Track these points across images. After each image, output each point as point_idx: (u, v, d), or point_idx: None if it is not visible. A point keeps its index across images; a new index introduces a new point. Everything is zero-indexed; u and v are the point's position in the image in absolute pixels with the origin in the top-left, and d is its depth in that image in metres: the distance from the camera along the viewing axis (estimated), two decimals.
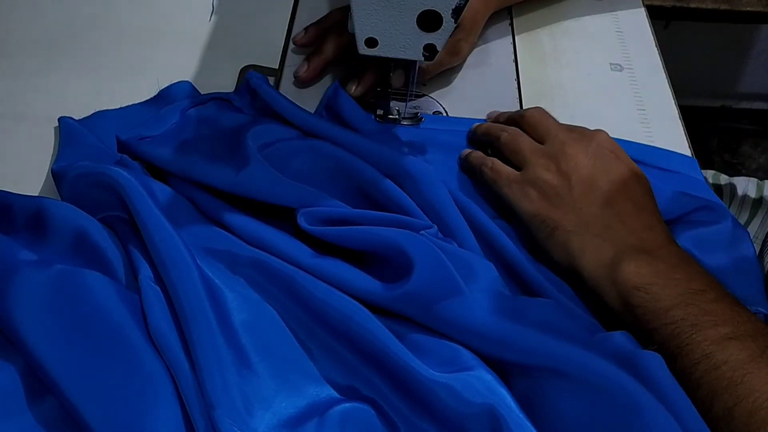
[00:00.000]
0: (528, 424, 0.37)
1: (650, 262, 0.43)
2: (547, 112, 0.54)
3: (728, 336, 0.39)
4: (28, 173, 0.56)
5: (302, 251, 0.46)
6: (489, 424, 0.37)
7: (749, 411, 0.37)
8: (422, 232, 0.45)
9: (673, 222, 0.52)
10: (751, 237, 0.64)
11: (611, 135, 0.58)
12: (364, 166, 0.50)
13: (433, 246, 0.42)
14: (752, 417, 0.37)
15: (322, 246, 0.47)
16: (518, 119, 0.54)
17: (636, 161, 0.52)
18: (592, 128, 0.56)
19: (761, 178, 0.69)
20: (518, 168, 0.51)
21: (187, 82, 0.61)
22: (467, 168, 0.55)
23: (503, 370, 0.41)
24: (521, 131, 0.53)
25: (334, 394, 0.41)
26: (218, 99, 0.60)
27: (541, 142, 0.51)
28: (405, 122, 0.59)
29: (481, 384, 0.39)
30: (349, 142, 0.52)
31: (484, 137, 0.56)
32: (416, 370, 0.39)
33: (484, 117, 0.61)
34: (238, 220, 0.48)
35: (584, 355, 0.38)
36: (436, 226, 0.47)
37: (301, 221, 0.46)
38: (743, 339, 0.39)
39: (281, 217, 0.49)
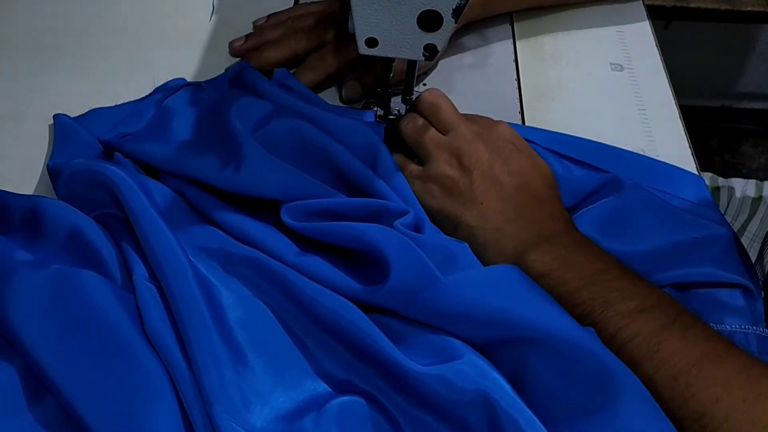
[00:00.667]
0: (521, 404, 0.38)
1: (551, 250, 0.44)
2: (442, 95, 0.53)
3: (638, 309, 0.41)
4: (27, 173, 0.56)
5: (287, 248, 0.46)
6: (484, 409, 0.37)
7: (672, 375, 0.38)
8: (397, 222, 0.45)
9: (577, 206, 0.53)
10: (751, 236, 0.64)
11: (612, 135, 0.58)
12: (343, 152, 0.50)
13: (408, 241, 0.43)
14: (676, 381, 0.38)
15: (308, 238, 0.47)
16: (417, 105, 0.53)
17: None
18: (592, 128, 0.56)
19: (761, 179, 0.69)
20: (422, 160, 0.51)
21: (182, 79, 0.61)
22: None
23: (490, 350, 0.42)
24: (423, 120, 0.52)
25: (332, 388, 0.41)
26: (190, 86, 0.60)
27: (442, 132, 0.51)
28: None
29: (473, 370, 0.39)
30: (329, 126, 0.52)
31: (391, 130, 0.55)
32: (407, 367, 0.39)
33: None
34: (227, 216, 0.48)
35: (555, 324, 0.39)
36: (412, 210, 0.47)
37: (285, 217, 0.47)
38: (652, 310, 0.41)
39: (270, 208, 0.49)
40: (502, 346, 0.41)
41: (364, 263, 0.45)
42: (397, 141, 0.53)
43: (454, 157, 0.49)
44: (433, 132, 0.51)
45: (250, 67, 0.59)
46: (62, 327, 0.40)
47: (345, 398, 0.40)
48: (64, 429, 0.39)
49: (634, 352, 0.39)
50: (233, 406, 0.38)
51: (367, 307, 0.43)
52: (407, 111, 0.55)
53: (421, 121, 0.52)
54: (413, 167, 0.51)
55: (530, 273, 0.43)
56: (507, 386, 0.39)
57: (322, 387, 0.41)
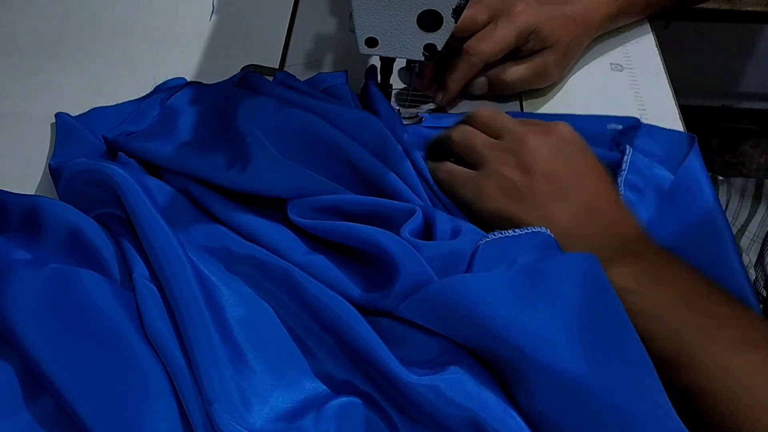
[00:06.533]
0: (515, 423, 0.37)
1: (637, 263, 0.40)
2: (496, 111, 0.50)
3: (741, 340, 0.37)
4: (28, 172, 0.56)
5: (295, 247, 0.46)
6: (474, 429, 0.37)
7: None
8: (404, 229, 0.44)
9: None
10: (751, 237, 0.64)
11: None
12: (353, 145, 0.50)
13: (414, 251, 0.42)
14: None
15: (315, 236, 0.47)
16: (468, 120, 0.51)
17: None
18: None
19: (762, 178, 0.69)
20: (474, 167, 0.48)
21: (182, 78, 0.61)
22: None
23: (488, 357, 0.40)
24: (474, 129, 0.49)
25: (331, 388, 0.41)
26: (193, 84, 0.60)
27: (496, 138, 0.48)
28: (405, 122, 0.58)
29: (469, 381, 0.38)
30: (339, 120, 0.52)
31: (436, 144, 0.53)
32: (400, 377, 0.38)
33: None
34: (233, 214, 0.48)
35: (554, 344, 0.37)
36: (419, 210, 0.46)
37: (292, 214, 0.47)
38: (757, 343, 0.37)
39: (276, 207, 0.49)
40: (499, 355, 0.39)
41: (371, 263, 0.45)
42: (444, 156, 0.51)
43: (511, 155, 0.45)
44: (484, 135, 0.48)
45: (253, 72, 0.59)
46: (60, 326, 0.41)
47: (344, 399, 0.40)
48: (62, 428, 0.39)
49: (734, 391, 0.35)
50: (233, 406, 0.38)
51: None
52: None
53: (469, 127, 0.49)
54: (465, 170, 0.47)
55: (614, 287, 0.38)
56: (502, 403, 0.38)
57: (322, 387, 0.41)
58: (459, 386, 0.38)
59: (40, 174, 0.56)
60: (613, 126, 0.55)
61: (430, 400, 0.38)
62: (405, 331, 0.42)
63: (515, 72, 0.58)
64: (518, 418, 0.37)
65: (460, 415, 0.37)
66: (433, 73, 0.58)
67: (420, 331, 0.42)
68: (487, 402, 0.37)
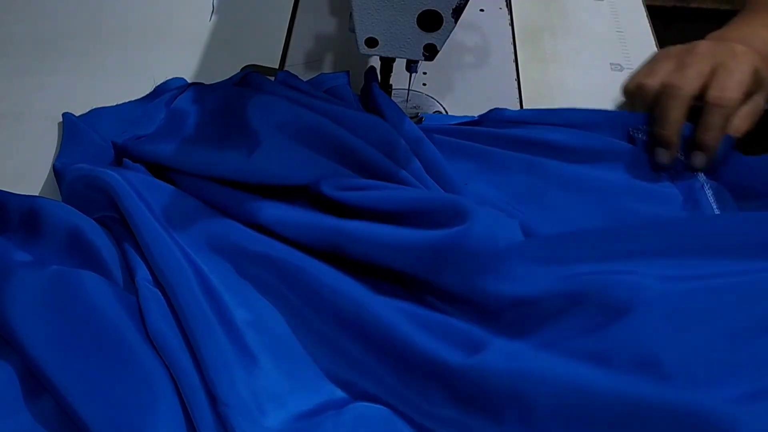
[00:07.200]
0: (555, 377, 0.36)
1: None
2: None
3: None
4: (29, 172, 0.56)
5: (323, 219, 0.45)
6: (517, 403, 0.36)
7: None
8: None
9: None
10: None
11: None
12: (363, 145, 0.50)
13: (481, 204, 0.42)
14: None
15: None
16: None
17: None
18: None
19: None
20: None
21: (182, 78, 0.61)
22: None
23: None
24: None
25: (349, 393, 0.41)
26: (195, 85, 0.60)
27: None
28: None
29: (503, 358, 0.37)
30: (346, 121, 0.52)
31: None
32: (432, 355, 0.37)
33: None
34: (249, 206, 0.47)
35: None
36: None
37: (326, 188, 0.46)
38: None
39: (291, 198, 0.48)
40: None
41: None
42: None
43: None
44: None
45: (253, 72, 0.59)
46: (61, 327, 0.40)
47: (362, 404, 0.39)
48: (62, 429, 0.39)
49: None
50: (246, 407, 0.37)
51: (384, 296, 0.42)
52: None
53: None
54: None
55: None
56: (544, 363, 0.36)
57: (336, 391, 0.41)
58: (496, 367, 0.36)
59: (40, 174, 0.56)
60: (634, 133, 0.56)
61: (466, 382, 0.36)
62: (436, 318, 0.41)
63: (747, 118, 0.55)
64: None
65: (501, 393, 0.36)
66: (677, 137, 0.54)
67: (455, 319, 0.41)
68: (529, 367, 0.36)
